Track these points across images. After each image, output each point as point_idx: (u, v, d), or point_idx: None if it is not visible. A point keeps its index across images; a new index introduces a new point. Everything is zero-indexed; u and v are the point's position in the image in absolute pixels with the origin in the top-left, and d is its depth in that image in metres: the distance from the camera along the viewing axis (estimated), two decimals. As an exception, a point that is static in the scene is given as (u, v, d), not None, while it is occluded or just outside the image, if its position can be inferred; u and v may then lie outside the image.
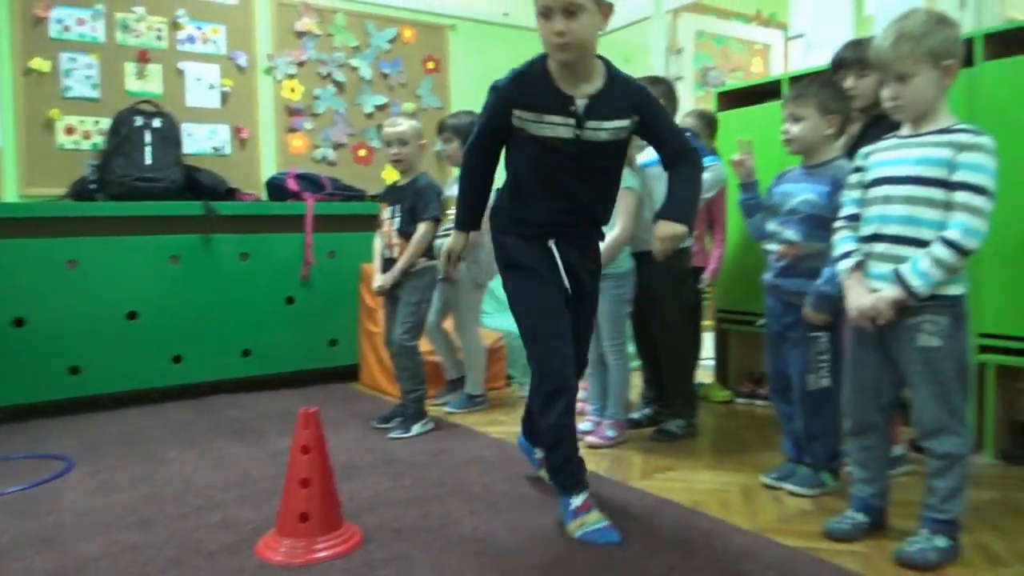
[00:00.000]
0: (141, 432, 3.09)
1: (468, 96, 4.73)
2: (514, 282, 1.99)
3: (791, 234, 2.20)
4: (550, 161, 1.89)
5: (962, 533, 1.77)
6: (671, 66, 4.49)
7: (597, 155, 1.90)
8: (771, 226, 2.28)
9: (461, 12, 4.87)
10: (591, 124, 1.85)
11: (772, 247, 2.27)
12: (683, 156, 1.95)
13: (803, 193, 2.18)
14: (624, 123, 1.88)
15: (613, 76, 1.88)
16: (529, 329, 1.95)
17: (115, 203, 3.60)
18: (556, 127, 1.85)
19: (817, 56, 3.58)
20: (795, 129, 2.18)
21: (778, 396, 2.34)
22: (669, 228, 1.90)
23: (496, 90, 1.91)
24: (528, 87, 1.86)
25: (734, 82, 4.24)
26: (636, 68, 4.90)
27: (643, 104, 1.90)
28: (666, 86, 2.94)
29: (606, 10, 1.81)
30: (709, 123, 3.44)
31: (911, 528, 1.81)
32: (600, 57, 1.88)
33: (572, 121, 1.84)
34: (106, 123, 3.82)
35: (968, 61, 2.51)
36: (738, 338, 3.61)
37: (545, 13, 1.75)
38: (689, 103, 4.65)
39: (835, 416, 2.11)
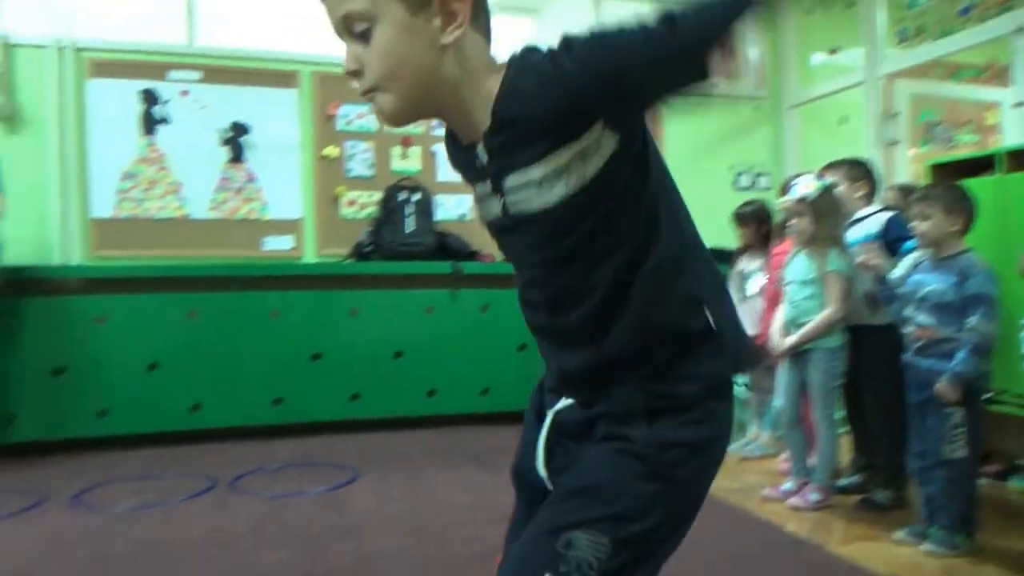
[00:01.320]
0: (406, 453, 3.81)
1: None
2: None
3: (923, 319, 2.43)
4: (514, 264, 1.11)
5: None
6: (887, 131, 4.51)
7: (548, 241, 0.99)
8: (907, 311, 2.50)
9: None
10: (511, 181, 0.96)
11: (909, 329, 2.49)
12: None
13: (932, 283, 2.41)
14: (543, 167, 0.92)
15: (507, 83, 0.93)
16: None
17: (384, 263, 4.45)
18: (485, 203, 1.04)
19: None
20: (922, 227, 2.42)
21: (915, 461, 2.52)
22: None
23: None
24: (450, 143, 1.08)
25: (946, 155, 4.08)
26: (850, 132, 4.83)
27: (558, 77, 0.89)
28: (863, 169, 3.06)
29: (443, 5, 0.91)
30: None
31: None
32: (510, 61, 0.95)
33: (489, 186, 1.00)
34: (377, 196, 4.69)
35: None
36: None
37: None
38: (906, 165, 4.64)
39: (971, 484, 2.24)
